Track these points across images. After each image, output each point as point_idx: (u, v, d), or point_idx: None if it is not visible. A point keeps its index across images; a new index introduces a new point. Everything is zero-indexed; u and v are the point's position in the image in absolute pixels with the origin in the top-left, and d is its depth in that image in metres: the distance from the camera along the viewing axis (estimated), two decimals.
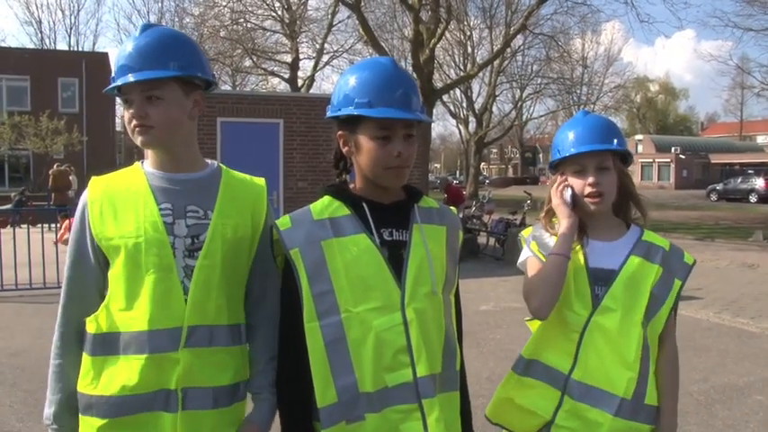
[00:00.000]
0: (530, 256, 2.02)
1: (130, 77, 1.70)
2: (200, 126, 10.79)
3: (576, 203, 1.98)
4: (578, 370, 1.91)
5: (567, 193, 1.99)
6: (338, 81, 1.75)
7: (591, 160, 1.95)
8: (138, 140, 1.76)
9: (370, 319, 1.62)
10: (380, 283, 1.64)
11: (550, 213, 2.07)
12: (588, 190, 1.95)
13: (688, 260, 2.04)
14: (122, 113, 1.80)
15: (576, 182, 1.98)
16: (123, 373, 1.69)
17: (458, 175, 70.30)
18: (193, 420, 1.73)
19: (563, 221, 1.97)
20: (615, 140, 1.96)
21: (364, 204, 1.70)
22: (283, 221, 1.71)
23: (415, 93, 1.69)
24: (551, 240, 1.99)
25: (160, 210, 1.74)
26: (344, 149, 1.74)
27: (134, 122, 1.73)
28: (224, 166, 1.92)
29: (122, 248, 1.71)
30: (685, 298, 9.20)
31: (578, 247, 1.99)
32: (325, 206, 1.72)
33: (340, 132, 1.73)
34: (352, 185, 1.77)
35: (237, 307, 1.84)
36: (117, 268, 1.73)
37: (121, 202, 1.75)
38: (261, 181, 1.94)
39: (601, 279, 1.94)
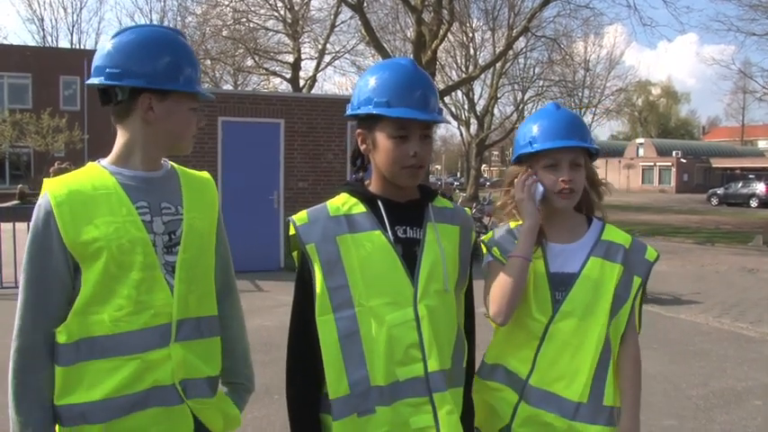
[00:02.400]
0: (491, 261, 1.97)
1: (205, 89, 1.83)
2: (202, 125, 10.82)
3: (542, 201, 1.92)
4: (535, 375, 1.89)
5: (539, 190, 1.91)
6: (359, 80, 1.80)
7: (566, 155, 1.90)
8: (190, 148, 1.86)
9: (383, 313, 1.66)
10: (393, 279, 1.68)
11: (512, 210, 2.01)
12: (560, 186, 1.89)
13: (650, 256, 1.97)
14: (189, 119, 1.83)
15: (546, 176, 1.91)
16: (110, 376, 1.65)
17: (458, 177, 70.31)
18: (206, 406, 1.78)
19: (526, 220, 1.90)
20: (588, 138, 1.93)
21: (379, 202, 1.74)
22: (300, 217, 1.76)
23: (433, 94, 1.73)
24: (512, 244, 1.94)
25: (137, 208, 1.73)
26: (362, 147, 1.78)
27: (196, 131, 1.84)
28: (174, 164, 1.93)
29: (104, 251, 1.65)
30: (685, 302, 9.21)
31: (538, 252, 1.94)
32: (341, 203, 1.76)
33: (359, 130, 1.77)
34: (368, 183, 1.81)
35: (211, 299, 1.87)
36: (95, 272, 1.66)
37: (93, 203, 1.68)
38: (207, 174, 1.99)
39: (561, 284, 1.90)
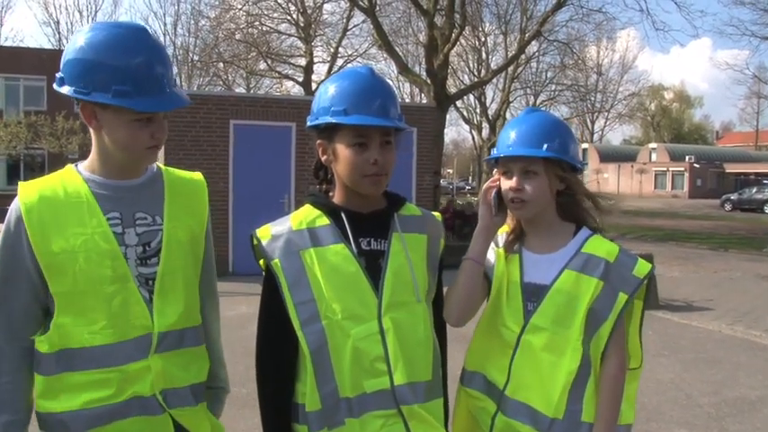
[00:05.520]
0: None
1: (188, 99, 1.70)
2: (214, 128, 10.87)
3: (501, 206, 1.91)
4: (511, 386, 1.85)
5: (492, 194, 1.90)
6: (317, 90, 1.78)
7: (516, 164, 1.86)
8: (151, 159, 1.74)
9: (348, 327, 1.65)
10: (357, 293, 1.67)
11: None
12: (510, 195, 1.86)
13: (639, 272, 1.84)
14: (132, 132, 1.64)
15: (503, 183, 1.90)
16: (89, 387, 1.64)
17: (470, 181, 70.16)
18: (188, 415, 1.75)
19: (479, 222, 1.90)
20: (546, 145, 1.84)
21: (343, 214, 1.72)
22: (263, 233, 1.75)
23: (393, 102, 1.71)
24: (491, 249, 1.94)
25: (108, 219, 1.68)
26: (323, 158, 1.76)
27: (154, 142, 1.69)
28: (162, 166, 1.87)
29: (71, 263, 1.62)
30: (697, 308, 9.14)
31: (515, 260, 1.92)
32: (304, 215, 1.75)
33: (318, 141, 1.75)
34: (332, 194, 1.79)
35: (196, 308, 1.84)
36: (66, 284, 1.63)
37: (63, 212, 1.64)
38: (199, 176, 1.93)
39: (534, 294, 1.86)
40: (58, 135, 29.04)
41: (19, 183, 1.72)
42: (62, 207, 1.65)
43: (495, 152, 1.94)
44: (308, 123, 1.76)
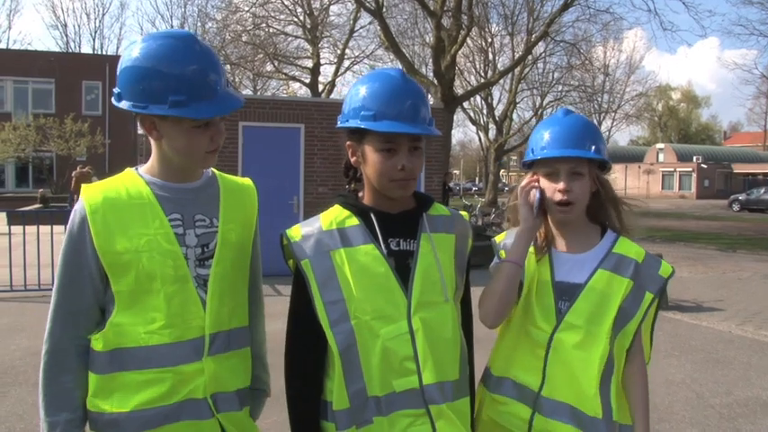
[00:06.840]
0: (497, 263, 1.95)
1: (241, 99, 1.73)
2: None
3: (542, 208, 1.90)
4: (547, 387, 1.86)
5: (535, 195, 1.89)
6: (349, 91, 1.79)
7: (564, 164, 1.86)
8: (210, 162, 1.77)
9: (378, 327, 1.66)
10: (387, 293, 1.68)
11: (516, 214, 1.97)
12: (558, 196, 1.85)
13: (664, 272, 1.90)
14: (192, 138, 1.69)
15: (546, 185, 1.89)
16: (142, 387, 1.65)
17: (477, 182, 70.16)
18: (234, 420, 1.77)
19: (521, 224, 1.89)
20: (593, 147, 1.86)
21: (372, 215, 1.73)
22: (293, 233, 1.75)
23: (423, 105, 1.71)
24: None
25: (170, 221, 1.71)
26: (352, 159, 1.77)
27: (213, 146, 1.73)
28: (216, 171, 1.91)
29: (134, 263, 1.65)
30: (707, 309, 9.10)
31: (545, 260, 1.93)
32: (334, 216, 1.76)
33: (348, 143, 1.76)
34: (361, 194, 1.80)
35: (244, 310, 1.86)
36: (127, 283, 1.66)
37: (127, 213, 1.68)
38: (249, 182, 1.97)
39: (566, 294, 1.87)
40: (66, 138, 29.23)
41: (82, 186, 1.75)
42: (125, 208, 1.69)
43: (535, 153, 1.92)
44: (338, 124, 1.77)
